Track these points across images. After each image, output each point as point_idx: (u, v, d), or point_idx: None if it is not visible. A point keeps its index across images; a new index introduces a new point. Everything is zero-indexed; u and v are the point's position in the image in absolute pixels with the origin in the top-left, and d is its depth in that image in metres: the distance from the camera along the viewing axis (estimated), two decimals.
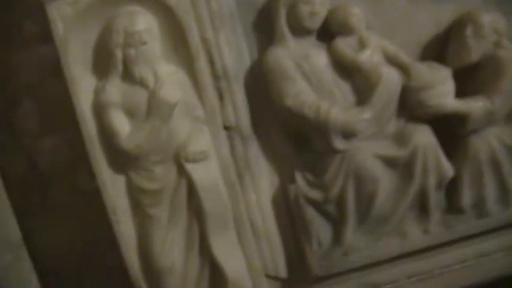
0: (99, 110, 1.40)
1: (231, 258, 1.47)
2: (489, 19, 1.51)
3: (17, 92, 1.82)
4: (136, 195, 1.44)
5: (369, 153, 1.47)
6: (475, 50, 1.51)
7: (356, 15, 1.48)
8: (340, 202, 1.51)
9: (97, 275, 1.87)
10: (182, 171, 1.42)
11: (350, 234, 1.53)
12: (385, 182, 1.49)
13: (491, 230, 1.59)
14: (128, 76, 1.38)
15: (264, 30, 1.51)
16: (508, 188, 1.56)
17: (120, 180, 1.45)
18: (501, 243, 1.61)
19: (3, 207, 1.85)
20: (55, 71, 1.47)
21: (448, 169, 1.51)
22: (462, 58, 1.52)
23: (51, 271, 1.89)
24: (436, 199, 1.54)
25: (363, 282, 1.60)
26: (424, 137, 1.48)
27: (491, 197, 1.57)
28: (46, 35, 1.49)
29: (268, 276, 1.57)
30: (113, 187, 1.45)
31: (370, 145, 1.48)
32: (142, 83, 1.37)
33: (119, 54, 1.36)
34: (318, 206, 1.53)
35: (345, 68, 1.48)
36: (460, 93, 1.52)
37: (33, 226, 1.88)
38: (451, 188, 1.56)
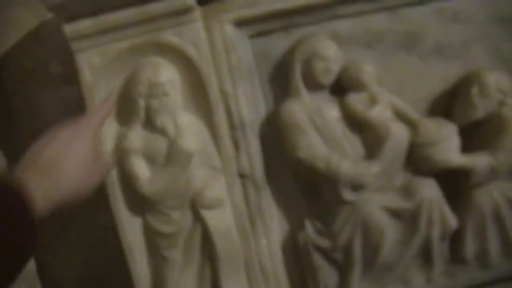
0: (121, 155, 1.48)
1: None
2: (494, 79, 1.57)
3: (39, 130, 1.90)
4: (152, 237, 1.50)
5: (376, 205, 1.53)
6: (480, 108, 1.57)
7: (368, 72, 1.55)
8: (347, 250, 1.56)
9: None
10: (197, 217, 1.48)
11: (356, 281, 1.58)
12: (390, 233, 1.54)
13: (494, 282, 1.63)
14: (149, 124, 1.46)
15: (280, 84, 1.59)
16: (511, 242, 1.62)
17: (138, 221, 1.52)
18: None
19: None
20: (79, 111, 1.56)
21: (452, 222, 1.56)
22: (467, 115, 1.58)
23: None
24: (440, 249, 1.58)
25: None
26: (429, 190, 1.53)
27: (494, 249, 1.60)
28: (70, 77, 1.58)
29: None
30: (131, 228, 1.51)
31: (377, 197, 1.53)
32: (163, 132, 1.45)
33: (142, 103, 1.44)
34: (325, 253, 1.58)
35: (355, 123, 1.55)
36: (466, 147, 1.59)
37: (48, 258, 1.93)
38: (455, 239, 1.61)
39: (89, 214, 1.87)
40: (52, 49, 1.84)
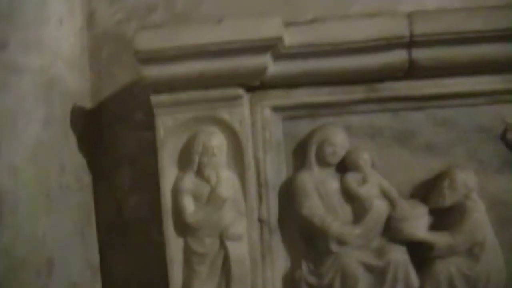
0: (176, 192, 2.02)
1: None
2: (462, 177, 2.02)
3: (121, 159, 2.47)
4: (188, 255, 2.02)
5: (354, 259, 2.02)
6: (448, 198, 2.03)
7: (364, 158, 2.05)
8: None
9: None
10: (222, 245, 2.00)
11: None
12: (363, 281, 2.02)
13: None
14: (199, 173, 2.00)
15: (299, 157, 2.10)
16: None
17: (180, 242, 2.03)
18: None
19: (92, 238, 2.45)
20: (151, 150, 2.08)
21: (415, 282, 2.02)
22: (437, 202, 2.04)
23: None
24: None
25: None
26: (397, 255, 2.01)
27: None
28: (149, 125, 2.09)
29: None
30: (175, 246, 2.03)
31: (356, 253, 2.02)
32: (207, 181, 2.00)
33: (196, 158, 1.99)
34: None
35: (349, 196, 2.06)
36: (436, 226, 2.04)
37: (109, 257, 2.47)
38: None
39: (145, 231, 2.43)
40: (139, 101, 2.39)
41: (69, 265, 2.22)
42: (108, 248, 2.50)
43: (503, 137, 2.09)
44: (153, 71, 1.92)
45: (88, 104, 2.46)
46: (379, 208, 2.03)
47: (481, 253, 2.02)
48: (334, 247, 2.02)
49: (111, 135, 2.48)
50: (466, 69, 2.01)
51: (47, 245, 2.05)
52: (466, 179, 2.03)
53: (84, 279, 2.35)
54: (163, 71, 1.92)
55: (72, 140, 2.31)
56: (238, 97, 1.99)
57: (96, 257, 2.47)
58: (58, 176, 2.17)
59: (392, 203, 2.04)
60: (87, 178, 2.44)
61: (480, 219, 2.02)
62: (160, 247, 2.08)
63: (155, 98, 2.00)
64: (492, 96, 2.05)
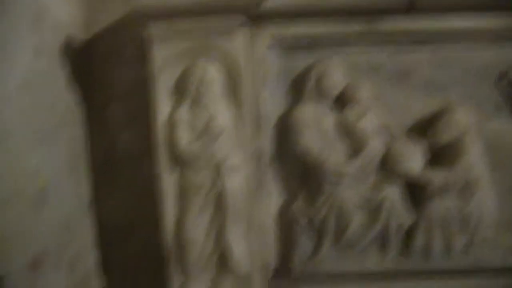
0: (171, 123, 1.99)
1: (238, 244, 2.01)
2: (460, 115, 2.02)
3: (113, 94, 2.42)
4: (182, 187, 2.01)
5: (349, 195, 2.03)
6: (445, 136, 2.03)
7: (363, 93, 2.03)
8: (323, 224, 2.06)
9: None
10: (217, 177, 1.98)
11: (326, 249, 2.08)
12: (357, 218, 2.04)
13: (433, 272, 2.09)
14: (195, 105, 1.97)
15: (298, 91, 2.08)
16: (451, 243, 2.07)
17: (173, 175, 2.01)
18: (443, 285, 2.11)
19: (84, 173, 2.42)
20: (144, 86, 2.06)
21: (407, 219, 2.04)
22: (434, 139, 2.05)
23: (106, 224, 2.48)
24: (395, 238, 2.07)
25: None
26: (392, 192, 2.03)
27: (437, 246, 2.07)
28: (142, 60, 2.07)
29: (260, 269, 2.09)
30: (168, 179, 2.01)
31: (351, 190, 2.04)
32: (203, 112, 1.96)
33: (193, 90, 1.96)
34: (306, 225, 2.09)
35: (345, 131, 2.05)
36: (433, 163, 2.06)
37: (100, 194, 2.46)
38: (408, 234, 2.08)
39: (138, 166, 2.40)
40: (132, 36, 2.33)
41: (62, 200, 2.20)
42: (100, 184, 2.48)
43: (498, 82, 2.10)
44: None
45: (80, 36, 2.40)
46: (376, 144, 2.02)
47: (474, 192, 2.04)
48: (329, 182, 2.02)
49: (104, 69, 2.43)
50: (469, 5, 1.98)
51: (40, 176, 2.03)
52: (464, 117, 2.04)
53: (75, 214, 2.35)
54: None
55: (64, 72, 2.26)
56: (235, 27, 1.95)
57: (87, 193, 2.46)
58: (50, 108, 2.13)
59: (390, 139, 2.03)
60: (78, 114, 2.40)
61: (475, 158, 2.03)
62: (152, 182, 2.09)
63: (150, 28, 1.95)
64: (494, 35, 2.04)
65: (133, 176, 2.43)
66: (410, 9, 2.01)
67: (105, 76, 2.45)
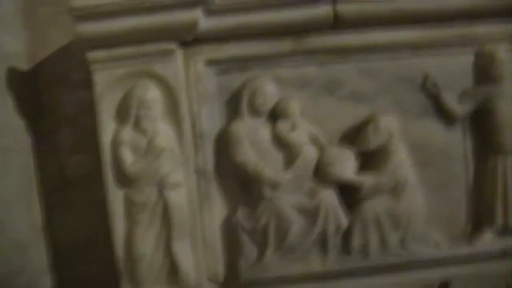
0: (115, 145, 2.08)
1: (185, 258, 2.11)
2: (385, 121, 2.17)
3: (61, 120, 2.50)
4: (129, 205, 2.10)
5: (287, 202, 2.16)
6: (373, 141, 2.18)
7: (293, 107, 2.16)
8: (264, 233, 2.18)
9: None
10: (161, 193, 2.08)
11: (270, 254, 2.19)
12: (296, 223, 2.16)
13: (373, 268, 2.23)
14: (136, 126, 2.07)
15: (232, 109, 2.19)
16: (386, 241, 2.21)
17: (120, 193, 2.10)
18: (381, 280, 2.25)
19: (35, 198, 2.47)
20: (91, 110, 2.13)
21: (344, 221, 2.18)
22: (363, 146, 2.19)
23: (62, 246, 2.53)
24: (333, 241, 2.20)
25: None
26: (327, 195, 2.16)
27: (373, 244, 2.21)
28: (88, 84, 2.13)
29: (209, 279, 2.20)
30: (116, 198, 2.10)
31: (289, 197, 2.16)
32: (145, 133, 2.06)
33: (133, 112, 2.06)
34: (249, 233, 2.19)
35: (280, 143, 2.17)
36: (363, 168, 2.20)
37: (55, 216, 2.51)
38: (346, 234, 2.22)
39: (88, 189, 2.48)
40: (77, 61, 2.38)
41: (12, 226, 2.25)
42: (52, 208, 2.54)
43: (423, 87, 2.25)
44: (89, 28, 1.97)
45: (24, 65, 2.47)
46: (308, 154, 2.16)
47: (403, 192, 2.20)
48: (267, 191, 2.14)
49: (50, 96, 2.51)
50: (389, 22, 2.14)
51: None
52: (388, 123, 2.19)
53: (28, 239, 2.40)
54: (98, 27, 1.97)
55: (10, 102, 2.32)
56: (171, 52, 2.07)
57: (39, 218, 2.51)
58: None
59: (321, 148, 2.17)
60: (27, 140, 2.46)
61: (401, 160, 2.19)
62: (103, 203, 2.15)
63: (91, 55, 2.05)
64: (413, 48, 2.21)
65: (86, 196, 2.50)
66: (335, 25, 2.15)
67: (54, 101, 2.52)
